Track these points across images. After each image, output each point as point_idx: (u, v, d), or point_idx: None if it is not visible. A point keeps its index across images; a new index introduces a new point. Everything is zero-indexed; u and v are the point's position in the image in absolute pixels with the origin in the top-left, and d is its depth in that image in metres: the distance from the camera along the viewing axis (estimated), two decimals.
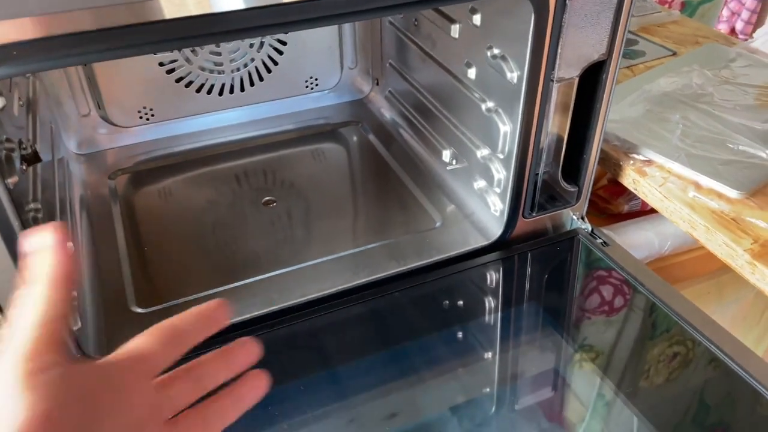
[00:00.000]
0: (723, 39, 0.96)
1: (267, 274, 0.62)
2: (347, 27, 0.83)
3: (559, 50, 0.53)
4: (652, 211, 0.76)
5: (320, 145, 0.85)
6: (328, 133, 0.87)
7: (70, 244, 0.28)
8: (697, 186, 0.64)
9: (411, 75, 0.79)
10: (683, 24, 1.01)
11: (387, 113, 0.88)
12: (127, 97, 0.76)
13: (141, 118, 0.78)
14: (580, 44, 0.54)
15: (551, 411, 0.56)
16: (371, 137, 0.85)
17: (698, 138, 0.69)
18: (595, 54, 0.55)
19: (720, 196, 0.62)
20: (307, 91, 0.86)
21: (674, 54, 0.91)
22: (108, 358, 0.27)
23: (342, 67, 0.87)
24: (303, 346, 0.58)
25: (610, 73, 0.57)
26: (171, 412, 0.28)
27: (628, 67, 0.88)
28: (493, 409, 0.56)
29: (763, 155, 0.66)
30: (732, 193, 0.62)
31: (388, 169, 0.79)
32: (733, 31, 1.89)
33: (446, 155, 0.72)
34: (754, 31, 2.25)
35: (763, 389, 0.49)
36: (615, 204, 0.77)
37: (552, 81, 0.55)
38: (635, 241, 0.70)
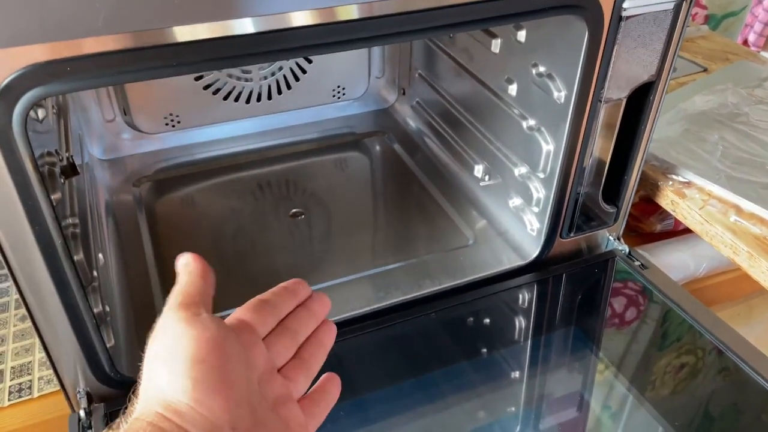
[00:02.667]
0: (752, 56, 0.94)
1: None
2: None
3: (609, 71, 0.52)
4: (685, 231, 0.75)
5: (344, 154, 0.84)
6: (352, 143, 0.85)
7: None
8: (738, 210, 0.62)
9: (442, 86, 0.78)
10: (711, 39, 1.00)
11: (413, 123, 0.86)
12: (154, 103, 0.75)
13: (167, 124, 0.77)
14: (631, 65, 0.53)
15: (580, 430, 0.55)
16: (396, 147, 0.84)
17: (737, 159, 0.68)
18: (645, 75, 0.54)
19: (762, 221, 0.61)
20: (333, 100, 0.84)
21: (705, 70, 0.89)
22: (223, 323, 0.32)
23: (369, 77, 0.85)
24: (330, 368, 0.56)
25: (657, 94, 0.56)
26: (282, 363, 0.34)
27: None
28: (518, 428, 0.54)
29: None
30: None
31: (415, 181, 0.78)
32: (745, 42, 1.89)
33: (479, 170, 0.70)
34: (766, 43, 2.24)
35: None
36: (647, 223, 0.76)
37: (600, 101, 0.54)
38: (670, 262, 0.69)
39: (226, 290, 0.60)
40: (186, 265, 0.35)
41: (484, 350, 0.59)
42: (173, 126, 0.77)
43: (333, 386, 0.37)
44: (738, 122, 0.74)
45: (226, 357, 0.30)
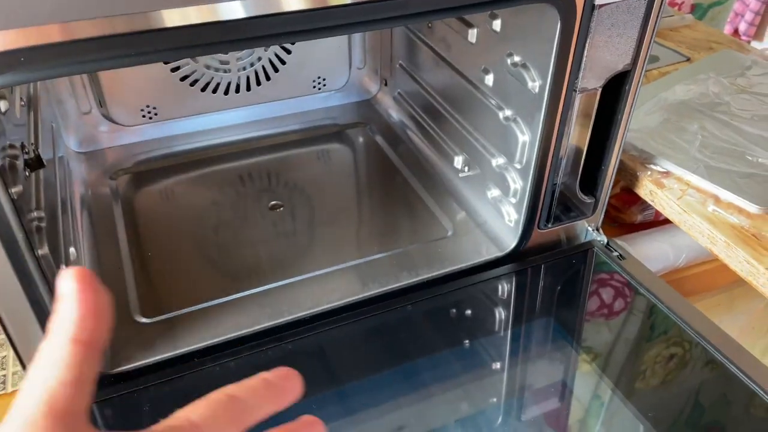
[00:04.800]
0: (736, 45, 0.94)
1: (274, 284, 0.60)
2: None
3: (584, 60, 0.51)
4: (665, 221, 0.74)
5: (326, 146, 0.83)
6: (334, 134, 0.85)
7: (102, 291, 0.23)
8: (717, 200, 0.62)
9: (422, 77, 0.77)
10: (695, 28, 0.99)
11: (395, 114, 0.86)
12: (130, 95, 0.74)
13: (144, 116, 0.76)
14: (606, 54, 0.52)
15: (562, 424, 0.55)
16: (378, 139, 0.83)
17: (717, 149, 0.67)
18: (620, 64, 0.54)
19: (740, 210, 0.61)
20: (314, 91, 0.84)
21: (688, 60, 0.89)
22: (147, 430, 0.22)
23: (350, 68, 0.85)
24: (312, 359, 0.56)
25: (633, 84, 0.55)
26: None
27: None
28: (500, 420, 0.54)
29: None
30: (752, 208, 0.60)
31: (396, 173, 0.77)
32: (736, 32, 1.89)
33: (458, 161, 0.70)
34: (756, 32, 2.24)
35: None
36: (627, 213, 0.76)
37: (575, 91, 0.53)
38: (650, 253, 0.69)
39: (208, 283, 0.61)
40: (69, 295, 0.22)
41: (465, 342, 0.59)
42: (150, 118, 0.76)
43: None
44: (719, 112, 0.74)
45: None
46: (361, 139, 0.84)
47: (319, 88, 0.84)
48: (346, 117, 0.87)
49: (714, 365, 0.54)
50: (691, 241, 0.70)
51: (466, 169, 0.69)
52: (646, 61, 0.55)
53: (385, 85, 0.87)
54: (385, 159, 0.80)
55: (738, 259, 0.57)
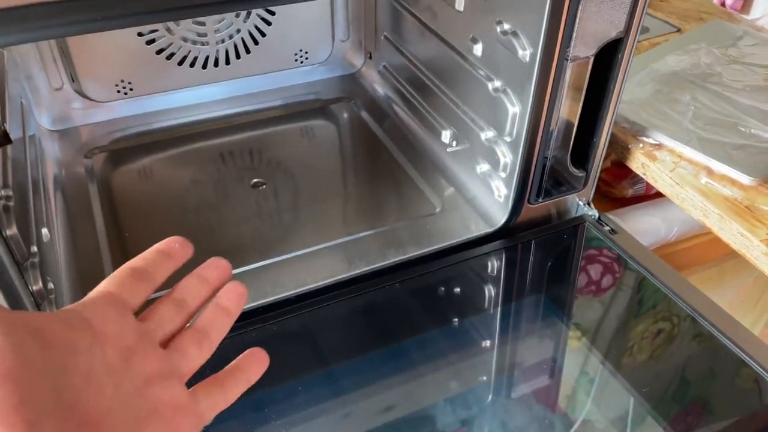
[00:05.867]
0: (726, 15, 0.92)
1: (258, 264, 0.58)
2: None
3: (576, 27, 0.49)
4: (656, 195, 0.73)
5: (310, 122, 0.81)
6: (318, 110, 0.82)
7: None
8: (709, 172, 0.61)
9: (408, 49, 0.75)
10: None
11: (380, 89, 0.83)
12: (103, 69, 0.71)
13: (119, 92, 0.73)
14: (598, 20, 0.50)
15: (552, 401, 0.54)
16: (364, 114, 0.81)
17: (709, 120, 0.66)
18: (613, 31, 0.52)
19: (733, 182, 0.60)
20: (296, 64, 0.81)
21: (678, 30, 0.87)
22: (73, 305, 0.27)
23: (333, 40, 0.82)
24: (297, 340, 0.54)
25: (626, 52, 0.54)
26: (163, 336, 0.29)
27: None
28: (491, 398, 0.53)
29: None
30: (745, 180, 0.59)
31: (382, 149, 0.75)
32: (723, 4, 1.87)
33: (446, 136, 0.68)
34: (743, 5, 2.23)
35: None
36: (619, 188, 0.75)
37: (566, 60, 0.51)
38: (642, 227, 0.68)
39: (188, 264, 0.59)
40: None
41: (454, 319, 0.57)
42: (126, 94, 0.73)
43: (251, 363, 0.32)
44: (710, 82, 0.72)
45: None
46: (345, 115, 0.82)
47: (301, 62, 0.81)
48: (330, 92, 0.84)
49: (707, 338, 0.53)
50: (682, 215, 0.69)
51: (455, 143, 0.67)
52: (639, 29, 0.53)
53: (370, 58, 0.85)
54: (370, 135, 0.78)
55: (731, 232, 0.56)
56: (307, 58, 0.81)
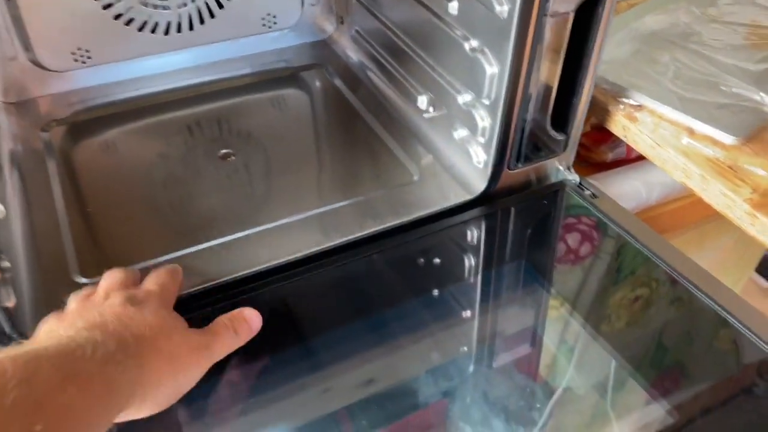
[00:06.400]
0: None
1: (228, 237, 0.55)
2: None
3: None
4: (637, 159, 0.72)
5: (280, 90, 0.78)
6: (288, 78, 0.79)
7: None
8: (691, 132, 0.60)
9: (381, 11, 0.72)
10: None
11: (353, 55, 0.80)
12: (58, 36, 0.67)
13: (76, 61, 0.69)
14: None
15: (533, 368, 0.53)
16: (337, 81, 0.78)
17: (690, 80, 0.65)
18: None
19: (715, 142, 0.59)
20: (264, 30, 0.77)
21: None
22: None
23: (303, 4, 0.78)
24: (272, 315, 0.52)
25: (607, 7, 0.51)
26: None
27: None
28: (472, 368, 0.52)
29: (757, 98, 0.62)
30: (728, 139, 0.58)
31: (357, 117, 0.72)
32: None
33: (422, 101, 0.65)
34: None
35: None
36: (598, 152, 0.73)
37: (546, 15, 0.49)
38: (622, 191, 0.67)
39: (155, 239, 0.56)
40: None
41: (434, 289, 0.56)
42: (84, 62, 0.69)
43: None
44: (691, 42, 0.71)
45: None
46: (317, 83, 0.79)
47: (269, 27, 0.77)
48: (301, 59, 0.81)
49: (689, 299, 0.52)
50: (663, 178, 0.68)
51: (431, 109, 0.65)
52: None
53: (342, 23, 0.82)
54: (344, 102, 0.75)
55: (714, 192, 0.55)
56: (275, 23, 0.78)
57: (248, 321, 0.46)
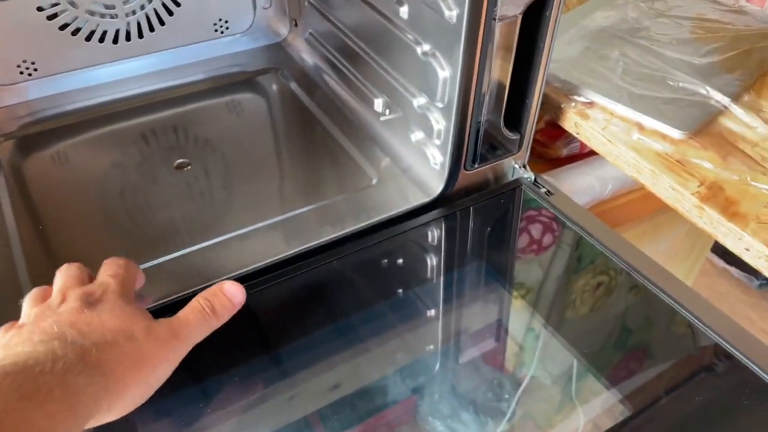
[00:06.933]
0: None
1: (188, 249, 0.55)
2: None
3: None
4: (590, 153, 0.74)
5: (236, 95, 0.77)
6: (244, 82, 0.78)
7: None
8: (641, 127, 0.61)
9: (333, 15, 0.72)
10: None
11: (308, 58, 0.80)
12: (2, 49, 0.65)
13: (22, 73, 0.67)
14: None
15: (500, 360, 0.54)
16: (293, 85, 0.77)
17: (639, 76, 0.66)
18: None
19: (664, 137, 0.60)
20: (216, 35, 0.76)
21: None
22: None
23: (255, 7, 0.78)
24: (232, 329, 0.52)
25: (554, 9, 0.52)
26: None
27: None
28: (438, 367, 0.53)
29: (703, 92, 0.64)
30: (676, 134, 0.60)
31: (314, 121, 0.72)
32: None
33: (378, 105, 0.66)
34: None
35: (726, 344, 0.48)
36: (553, 148, 0.74)
37: (494, 19, 0.49)
38: (576, 186, 0.68)
39: (112, 254, 0.55)
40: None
41: (396, 292, 0.56)
42: (30, 74, 0.67)
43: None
44: (639, 37, 0.72)
45: None
46: (273, 87, 0.78)
47: (222, 32, 0.76)
48: (256, 63, 0.80)
49: (642, 290, 0.53)
50: (616, 172, 0.69)
51: (387, 112, 0.65)
52: None
53: (296, 26, 0.81)
54: (300, 107, 0.75)
55: (664, 187, 0.57)
56: (227, 28, 0.77)
57: (229, 296, 0.44)
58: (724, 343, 0.48)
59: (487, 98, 0.55)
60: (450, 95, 0.54)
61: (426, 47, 0.55)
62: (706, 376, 0.47)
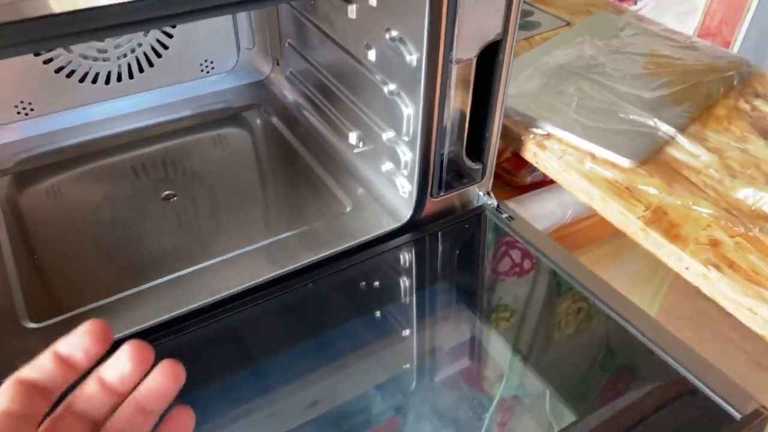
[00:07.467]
0: (612, 8, 0.99)
1: (173, 275, 0.59)
2: None
3: (455, 32, 0.53)
4: (552, 181, 0.78)
5: (222, 130, 0.82)
6: (229, 118, 0.83)
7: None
8: (593, 157, 0.66)
9: (311, 55, 0.77)
10: None
11: (289, 95, 0.85)
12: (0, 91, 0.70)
13: (19, 113, 0.72)
14: (476, 25, 0.54)
15: (470, 377, 0.57)
16: (275, 120, 0.82)
17: (592, 109, 0.71)
18: (491, 34, 0.56)
19: (614, 165, 0.65)
20: (202, 75, 0.82)
21: (568, 24, 0.93)
22: None
23: (239, 48, 0.83)
24: (216, 348, 0.56)
25: (506, 52, 0.58)
26: None
27: (525, 39, 0.90)
28: (414, 384, 0.57)
29: (651, 123, 0.69)
30: (625, 162, 0.65)
31: (294, 153, 0.77)
32: None
33: (353, 138, 0.71)
34: None
35: (654, 345, 0.52)
36: (519, 176, 0.79)
37: (451, 62, 0.55)
38: (539, 212, 0.73)
39: (103, 281, 0.59)
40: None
41: (370, 311, 0.60)
42: (27, 114, 0.72)
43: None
44: (594, 73, 0.78)
45: None
46: (257, 122, 0.83)
47: (208, 71, 0.82)
48: (241, 99, 0.86)
49: (599, 314, 0.57)
50: (575, 198, 0.74)
51: (361, 144, 0.70)
52: (516, 30, 0.57)
53: (277, 65, 0.87)
54: (281, 140, 0.79)
55: (613, 211, 0.62)
56: (213, 68, 0.82)
57: None
58: (663, 354, 0.52)
59: (448, 132, 0.60)
60: (414, 130, 0.59)
61: (392, 87, 0.60)
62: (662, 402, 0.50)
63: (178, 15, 0.41)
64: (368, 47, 0.62)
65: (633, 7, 1.19)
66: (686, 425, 0.47)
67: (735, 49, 2.04)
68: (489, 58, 0.58)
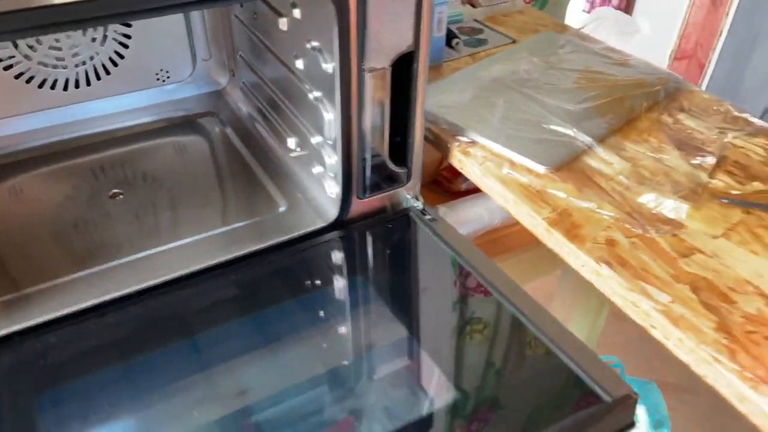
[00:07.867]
0: (559, 27, 1.04)
1: (124, 259, 0.64)
2: (196, 18, 0.85)
3: (366, 43, 0.57)
4: None
5: (176, 137, 0.87)
6: (185, 125, 0.88)
7: None
8: (512, 163, 0.70)
9: (258, 67, 0.82)
10: (527, 14, 1.09)
11: (242, 105, 0.90)
12: None
13: None
14: (387, 37, 0.59)
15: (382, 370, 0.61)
16: (227, 128, 0.87)
17: (518, 120, 0.76)
18: (403, 46, 0.60)
19: (530, 171, 0.69)
20: (158, 83, 0.87)
21: (514, 42, 0.98)
22: None
23: (195, 59, 0.88)
24: (138, 335, 0.60)
25: (420, 63, 0.62)
26: None
27: (470, 55, 0.94)
28: (322, 369, 0.59)
29: (571, 133, 0.73)
30: (539, 168, 0.69)
31: (240, 158, 0.82)
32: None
33: (291, 143, 0.75)
34: (627, 4, 2.44)
35: (553, 345, 0.56)
36: (455, 183, 0.84)
37: (364, 71, 0.59)
38: (468, 216, 0.77)
39: (71, 262, 0.64)
40: None
41: (288, 302, 0.64)
42: None
43: None
44: (527, 87, 0.82)
45: None
46: (212, 129, 0.88)
47: (163, 80, 0.87)
48: (198, 107, 0.90)
49: (513, 318, 0.60)
50: None
51: (298, 149, 0.75)
52: (429, 43, 0.61)
53: (233, 75, 0.92)
54: (231, 147, 0.84)
55: (523, 214, 0.66)
56: (168, 77, 0.87)
57: None
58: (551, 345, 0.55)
59: (368, 137, 0.65)
60: (335, 134, 0.64)
61: (316, 93, 0.65)
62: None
63: (116, 15, 0.46)
64: (296, 57, 0.67)
65: (577, 27, 1.23)
66: (559, 405, 0.50)
67: (709, 71, 2.09)
68: (405, 68, 0.62)
